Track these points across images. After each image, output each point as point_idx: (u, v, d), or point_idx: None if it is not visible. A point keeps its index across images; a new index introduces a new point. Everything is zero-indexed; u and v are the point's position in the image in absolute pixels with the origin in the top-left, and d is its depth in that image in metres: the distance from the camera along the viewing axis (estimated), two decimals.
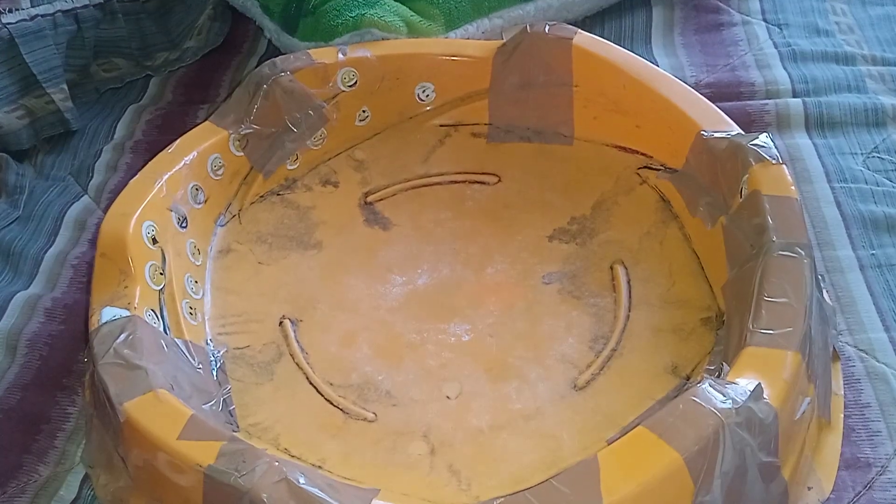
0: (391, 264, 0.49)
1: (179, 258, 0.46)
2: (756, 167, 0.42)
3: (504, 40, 0.53)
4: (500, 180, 0.53)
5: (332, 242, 0.50)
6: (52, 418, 0.45)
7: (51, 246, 0.56)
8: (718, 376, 0.35)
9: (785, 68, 0.62)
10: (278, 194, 0.53)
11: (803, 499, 0.37)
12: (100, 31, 0.66)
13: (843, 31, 0.66)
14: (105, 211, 0.57)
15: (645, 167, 0.51)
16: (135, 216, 0.44)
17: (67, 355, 0.48)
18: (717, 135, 0.45)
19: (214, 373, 0.43)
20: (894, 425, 0.41)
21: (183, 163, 0.48)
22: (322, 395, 0.43)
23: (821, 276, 0.47)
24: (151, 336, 0.40)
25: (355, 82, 0.53)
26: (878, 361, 0.44)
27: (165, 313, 0.43)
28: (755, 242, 0.40)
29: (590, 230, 0.49)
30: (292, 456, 0.40)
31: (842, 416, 0.40)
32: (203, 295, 0.47)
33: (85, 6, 0.65)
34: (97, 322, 0.40)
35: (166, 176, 0.47)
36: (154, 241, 0.44)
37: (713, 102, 0.48)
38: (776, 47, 0.64)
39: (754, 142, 0.43)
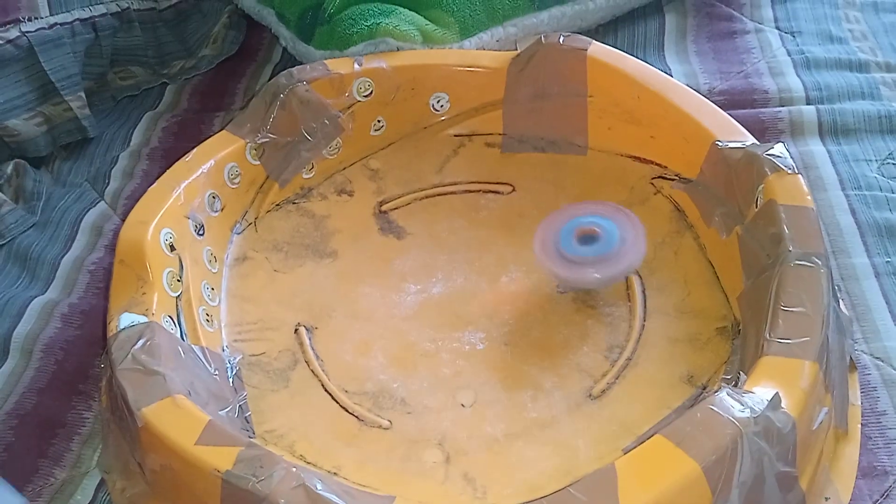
0: (406, 273, 0.49)
1: (196, 265, 0.46)
2: (772, 177, 0.42)
3: (518, 51, 0.54)
4: (514, 190, 0.53)
5: (347, 251, 0.51)
6: (67, 423, 0.46)
7: (67, 251, 0.56)
8: (735, 385, 0.35)
9: (798, 76, 0.62)
10: (294, 203, 0.53)
11: None
12: (117, 40, 0.67)
13: (857, 39, 0.66)
14: (121, 217, 0.58)
15: (659, 177, 0.51)
16: (153, 224, 0.44)
17: (83, 360, 0.49)
18: (731, 145, 0.45)
19: (230, 379, 0.44)
20: None
21: (200, 171, 0.48)
22: (337, 403, 0.43)
23: (836, 285, 0.47)
24: (169, 342, 0.40)
25: (371, 92, 0.54)
26: (894, 369, 0.43)
27: (182, 320, 0.43)
28: (771, 252, 0.40)
29: None
30: (308, 463, 0.40)
31: (859, 426, 0.40)
32: (219, 302, 0.47)
33: (103, 15, 0.65)
34: (115, 328, 0.40)
35: (184, 184, 0.47)
36: (172, 248, 0.45)
37: (726, 110, 0.48)
38: (789, 55, 0.64)
39: (770, 151, 0.43)
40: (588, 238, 0.44)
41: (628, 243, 0.44)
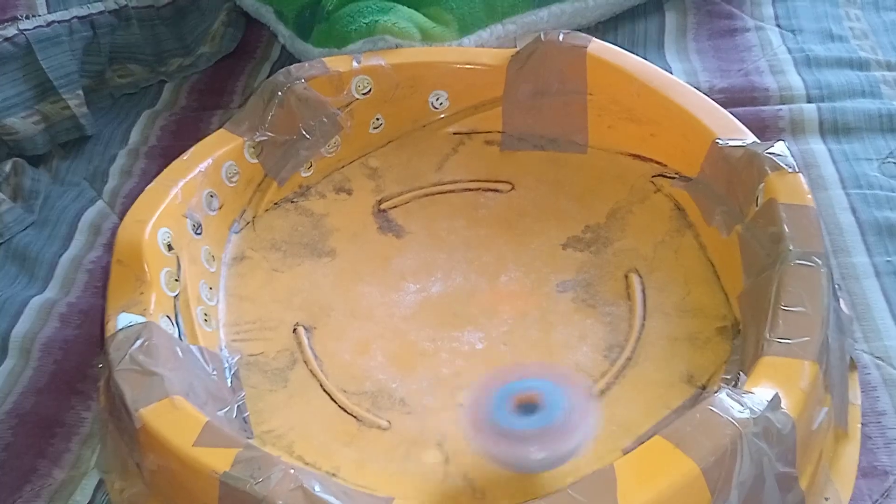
0: (405, 272, 0.49)
1: (194, 265, 0.46)
2: (772, 176, 0.42)
3: (518, 48, 0.53)
4: (513, 188, 0.53)
5: (345, 250, 0.51)
6: (66, 422, 0.46)
7: (66, 250, 0.56)
8: (735, 386, 0.35)
9: (799, 74, 0.62)
10: (292, 201, 0.53)
11: None
12: (115, 38, 0.67)
13: (857, 37, 0.66)
14: (120, 216, 0.58)
15: (660, 175, 0.51)
16: (151, 223, 0.44)
17: (82, 360, 0.49)
18: (732, 143, 0.45)
19: (229, 379, 0.44)
20: None
21: (198, 170, 0.48)
22: (336, 403, 0.43)
23: (837, 284, 0.46)
24: (167, 342, 0.40)
25: (369, 90, 0.54)
26: (894, 368, 0.43)
27: (180, 320, 0.43)
28: (771, 251, 0.40)
29: (604, 239, 0.49)
30: (306, 463, 0.40)
31: (859, 426, 0.40)
32: (217, 301, 0.47)
33: (101, 12, 0.65)
34: (113, 328, 0.40)
35: (182, 183, 0.47)
36: (169, 247, 0.45)
37: (727, 108, 0.48)
38: (790, 53, 0.64)
39: (770, 150, 0.43)
40: (527, 407, 0.36)
41: (577, 412, 0.35)
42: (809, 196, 0.41)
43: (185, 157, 0.49)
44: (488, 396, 0.37)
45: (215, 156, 0.49)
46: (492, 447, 0.36)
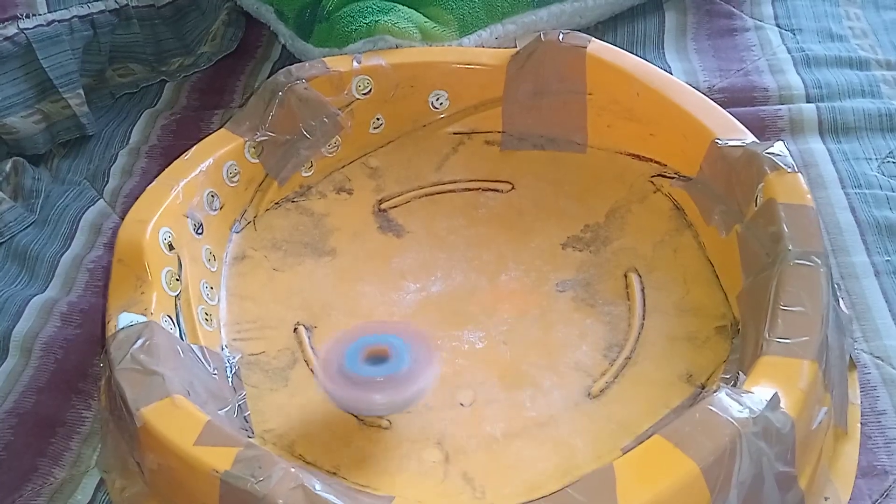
0: (405, 271, 0.49)
1: (195, 264, 0.46)
2: (771, 175, 0.42)
3: (518, 48, 0.54)
4: (513, 188, 0.53)
5: (346, 249, 0.51)
6: (67, 421, 0.46)
7: (66, 250, 0.56)
8: (734, 385, 0.35)
9: (798, 73, 0.62)
10: (293, 201, 0.53)
11: None
12: (115, 37, 0.67)
13: (857, 36, 0.66)
14: (120, 215, 0.58)
15: (659, 175, 0.51)
16: (151, 223, 0.44)
17: (83, 359, 0.49)
18: (731, 143, 0.45)
19: (229, 379, 0.44)
20: None
21: (199, 169, 0.48)
22: None
23: (836, 283, 0.47)
24: (168, 342, 0.40)
25: (370, 90, 0.54)
26: (893, 368, 0.43)
27: (181, 319, 0.43)
28: (770, 251, 0.40)
29: (603, 238, 0.49)
30: (307, 462, 0.40)
31: (858, 425, 0.40)
32: (218, 301, 0.47)
33: (101, 11, 0.65)
34: (114, 328, 0.40)
35: (183, 182, 0.47)
36: (170, 247, 0.45)
37: (726, 107, 0.48)
38: (789, 52, 0.64)
39: (770, 150, 0.43)
40: (377, 358, 0.40)
41: (420, 364, 0.39)
42: (809, 196, 0.41)
43: (185, 156, 0.49)
44: (342, 347, 0.40)
45: (216, 155, 0.49)
46: (339, 391, 0.40)
